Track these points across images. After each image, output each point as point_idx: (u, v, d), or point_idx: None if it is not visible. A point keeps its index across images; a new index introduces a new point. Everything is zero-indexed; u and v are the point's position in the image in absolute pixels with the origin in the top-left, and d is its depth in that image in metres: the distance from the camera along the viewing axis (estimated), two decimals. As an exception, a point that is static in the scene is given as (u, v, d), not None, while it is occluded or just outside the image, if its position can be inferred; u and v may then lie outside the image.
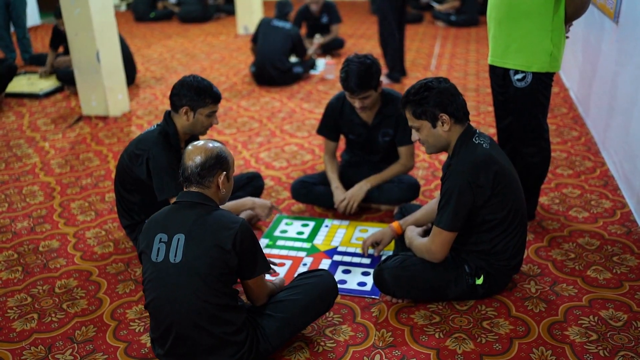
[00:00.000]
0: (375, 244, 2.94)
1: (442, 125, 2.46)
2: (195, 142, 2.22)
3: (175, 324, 2.10)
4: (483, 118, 4.93)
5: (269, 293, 2.35)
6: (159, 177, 2.83)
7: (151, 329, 2.23)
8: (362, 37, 8.41)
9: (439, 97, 2.43)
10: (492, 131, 4.38)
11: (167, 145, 2.87)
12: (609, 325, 2.45)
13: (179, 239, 2.10)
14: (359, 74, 3.13)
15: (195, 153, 2.16)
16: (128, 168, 2.92)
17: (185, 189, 2.20)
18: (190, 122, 2.88)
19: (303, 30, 7.36)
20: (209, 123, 2.92)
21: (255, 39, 6.29)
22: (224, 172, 2.20)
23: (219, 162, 2.18)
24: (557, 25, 2.88)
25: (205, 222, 2.11)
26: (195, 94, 2.82)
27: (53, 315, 2.67)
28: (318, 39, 7.01)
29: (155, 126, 2.96)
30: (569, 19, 2.91)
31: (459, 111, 2.46)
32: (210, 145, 2.19)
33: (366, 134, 3.43)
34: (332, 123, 3.49)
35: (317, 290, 2.39)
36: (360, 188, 3.34)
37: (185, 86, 2.84)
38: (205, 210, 2.14)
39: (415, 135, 2.56)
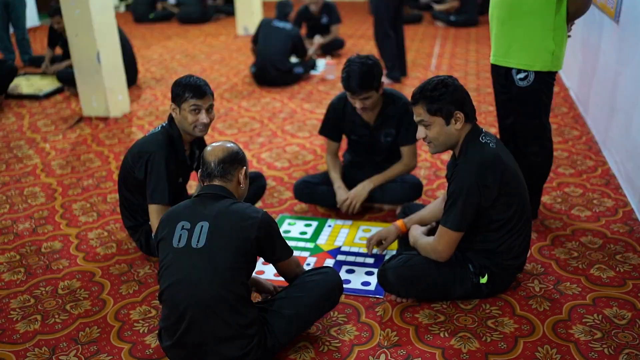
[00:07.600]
0: (380, 242, 2.94)
1: (455, 123, 2.45)
2: (214, 143, 2.34)
3: (191, 308, 2.11)
4: (484, 118, 4.93)
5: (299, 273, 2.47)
6: (154, 181, 2.83)
7: (162, 319, 2.23)
8: (362, 38, 8.41)
9: (456, 95, 2.43)
10: (493, 130, 4.38)
11: (170, 150, 2.88)
12: (614, 323, 2.45)
13: (202, 225, 2.16)
14: (360, 74, 3.12)
15: (216, 150, 2.29)
16: (130, 169, 2.92)
17: (206, 184, 2.29)
18: (179, 119, 2.89)
19: (303, 31, 7.36)
20: (195, 120, 2.84)
21: (255, 39, 6.29)
22: (244, 168, 2.31)
23: (238, 158, 2.31)
24: (559, 24, 2.88)
25: (229, 212, 2.18)
26: (177, 89, 2.85)
27: (56, 316, 2.66)
28: (318, 40, 7.02)
29: (160, 127, 2.95)
30: (570, 18, 2.92)
31: (472, 110, 2.48)
32: (229, 144, 2.34)
33: (368, 134, 3.43)
34: (334, 123, 3.49)
35: (323, 288, 2.39)
36: (364, 188, 3.34)
37: (174, 84, 2.89)
38: (228, 202, 2.22)
39: (422, 133, 2.51)
